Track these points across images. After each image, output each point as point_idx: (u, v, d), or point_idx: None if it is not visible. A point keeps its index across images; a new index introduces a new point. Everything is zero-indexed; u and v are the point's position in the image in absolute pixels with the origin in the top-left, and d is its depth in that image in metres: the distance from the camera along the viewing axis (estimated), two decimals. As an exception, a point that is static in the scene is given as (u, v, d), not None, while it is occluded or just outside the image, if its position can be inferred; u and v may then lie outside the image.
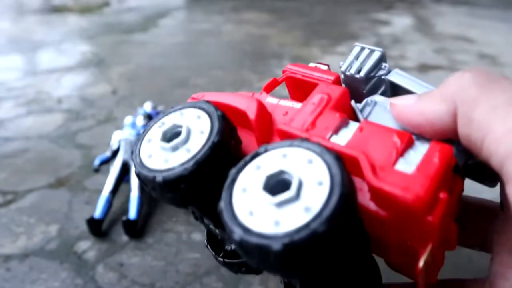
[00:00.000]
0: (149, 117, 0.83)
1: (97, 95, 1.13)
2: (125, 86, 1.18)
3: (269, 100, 0.28)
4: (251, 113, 0.25)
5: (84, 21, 1.90)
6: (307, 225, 0.17)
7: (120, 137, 0.77)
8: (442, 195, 0.20)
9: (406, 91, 0.26)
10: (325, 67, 0.29)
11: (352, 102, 0.26)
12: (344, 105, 0.25)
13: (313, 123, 0.24)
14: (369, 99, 0.26)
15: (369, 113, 0.26)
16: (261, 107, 0.26)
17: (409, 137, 0.22)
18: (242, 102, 0.26)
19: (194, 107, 0.26)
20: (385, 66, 0.27)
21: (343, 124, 0.24)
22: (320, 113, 0.24)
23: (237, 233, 0.18)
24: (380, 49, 0.27)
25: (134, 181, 0.69)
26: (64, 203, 0.71)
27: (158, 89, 1.16)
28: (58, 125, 0.98)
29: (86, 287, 0.56)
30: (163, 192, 0.23)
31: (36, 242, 0.63)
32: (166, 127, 0.25)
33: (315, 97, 0.25)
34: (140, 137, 0.27)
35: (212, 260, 0.66)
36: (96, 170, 0.74)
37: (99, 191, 0.67)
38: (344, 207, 0.18)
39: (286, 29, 1.75)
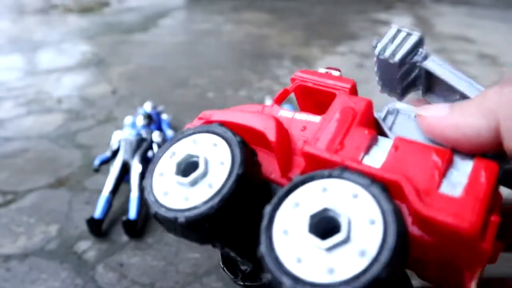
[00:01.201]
0: (149, 117, 0.83)
1: (97, 95, 1.13)
2: (125, 86, 1.18)
3: (283, 114, 0.25)
4: (271, 135, 0.23)
5: (84, 21, 1.90)
6: (365, 271, 0.16)
7: (120, 137, 0.77)
8: (493, 218, 0.19)
9: (442, 82, 0.24)
10: (337, 73, 0.27)
11: (375, 113, 0.24)
12: (369, 117, 0.23)
13: (341, 143, 0.22)
14: (390, 106, 0.24)
15: (393, 123, 0.24)
16: (280, 126, 0.24)
17: (449, 155, 0.20)
18: (258, 121, 0.24)
19: (208, 132, 0.24)
20: (421, 52, 0.25)
21: (373, 142, 0.22)
22: (347, 131, 0.22)
23: (287, 284, 0.17)
24: (418, 33, 0.25)
25: (134, 181, 0.69)
26: (64, 203, 0.71)
27: (158, 89, 1.16)
28: (58, 125, 0.98)
29: (86, 287, 0.56)
30: (185, 232, 0.22)
31: (36, 242, 0.63)
32: (180, 158, 0.23)
33: (338, 112, 0.23)
34: (149, 170, 0.23)
35: (212, 260, 0.66)
36: (96, 170, 0.74)
37: (99, 191, 0.67)
38: (402, 247, 0.17)
39: (286, 29, 1.75)
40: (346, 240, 0.17)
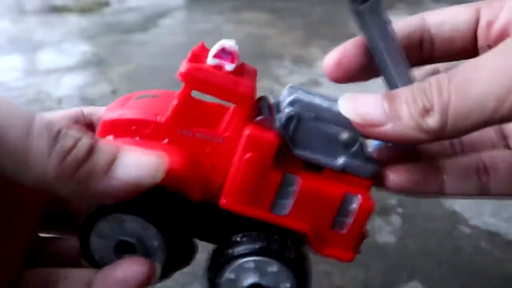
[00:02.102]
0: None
1: (97, 95, 1.13)
2: (125, 86, 1.18)
3: (183, 132, 0.24)
4: (191, 188, 0.24)
5: (84, 21, 1.90)
6: None
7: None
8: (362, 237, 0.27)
9: None
10: (231, 67, 0.25)
11: (278, 125, 0.24)
12: (272, 156, 0.24)
13: (254, 191, 0.24)
14: (291, 111, 0.24)
15: (295, 129, 0.24)
16: (192, 173, 0.24)
17: (343, 196, 0.24)
18: (169, 173, 0.23)
19: (129, 213, 0.24)
20: None
21: (283, 183, 0.24)
22: (258, 178, 0.24)
23: None
24: None
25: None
26: (64, 203, 0.70)
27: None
28: (58, 125, 0.97)
29: (86, 287, 0.56)
30: None
31: (36, 242, 0.63)
32: (114, 243, 0.25)
33: (245, 159, 0.23)
34: (81, 234, 0.25)
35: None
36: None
37: (99, 191, 0.67)
38: None
39: (286, 29, 1.75)
40: None
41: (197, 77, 0.25)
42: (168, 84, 1.25)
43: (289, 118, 0.24)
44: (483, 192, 0.26)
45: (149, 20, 1.90)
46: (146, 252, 0.24)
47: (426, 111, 0.20)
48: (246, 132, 0.24)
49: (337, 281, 0.56)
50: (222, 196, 0.24)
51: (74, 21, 1.93)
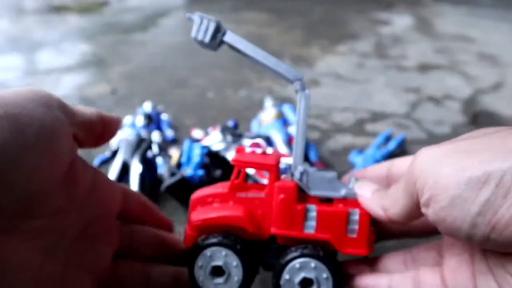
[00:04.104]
0: (148, 117, 0.83)
1: (97, 95, 1.13)
2: (125, 86, 1.18)
3: (240, 195, 0.39)
4: (249, 228, 0.38)
5: (83, 21, 1.90)
6: None
7: (120, 137, 0.77)
8: (371, 237, 0.38)
9: (241, 51, 0.40)
10: (260, 150, 0.40)
11: (296, 179, 0.38)
12: (296, 194, 0.38)
13: (290, 220, 0.37)
14: (301, 168, 0.38)
15: (307, 180, 0.38)
16: (250, 219, 0.38)
17: (347, 212, 0.37)
18: (237, 219, 0.38)
19: (219, 245, 0.38)
20: (223, 30, 0.40)
21: (306, 212, 0.37)
22: (291, 210, 0.37)
23: None
24: (215, 19, 0.40)
25: (134, 181, 0.69)
26: (63, 204, 0.70)
27: (158, 89, 1.16)
28: (57, 125, 0.97)
29: (86, 287, 0.55)
30: None
31: (35, 242, 0.62)
32: (209, 268, 0.39)
33: (279, 200, 0.38)
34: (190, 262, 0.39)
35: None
36: (96, 170, 0.74)
37: (99, 191, 0.67)
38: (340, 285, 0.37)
39: (286, 29, 1.75)
40: None
41: (241, 160, 0.39)
42: (167, 84, 1.25)
43: (302, 173, 0.38)
44: None
45: (149, 20, 1.90)
46: (229, 271, 0.38)
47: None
48: (276, 184, 0.38)
49: (337, 282, 0.56)
50: (271, 227, 0.38)
51: (73, 21, 1.92)
